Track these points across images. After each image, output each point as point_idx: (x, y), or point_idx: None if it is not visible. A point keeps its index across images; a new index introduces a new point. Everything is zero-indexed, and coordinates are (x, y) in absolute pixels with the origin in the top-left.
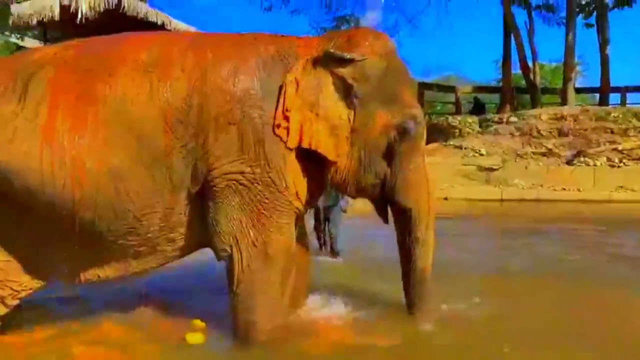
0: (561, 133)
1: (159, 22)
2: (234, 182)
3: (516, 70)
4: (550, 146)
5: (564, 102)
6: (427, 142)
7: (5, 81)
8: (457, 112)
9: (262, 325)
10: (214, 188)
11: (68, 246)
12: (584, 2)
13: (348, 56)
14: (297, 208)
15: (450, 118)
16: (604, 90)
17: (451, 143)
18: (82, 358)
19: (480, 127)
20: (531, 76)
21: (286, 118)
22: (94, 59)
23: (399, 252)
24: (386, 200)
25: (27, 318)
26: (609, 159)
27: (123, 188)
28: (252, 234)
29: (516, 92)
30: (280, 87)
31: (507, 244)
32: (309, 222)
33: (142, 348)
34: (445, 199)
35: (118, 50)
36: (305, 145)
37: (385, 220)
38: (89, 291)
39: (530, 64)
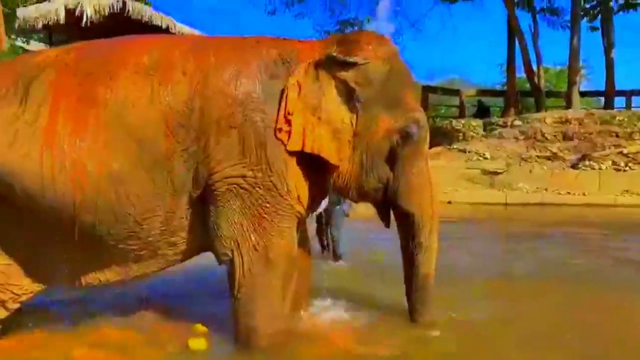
0: (566, 137)
1: (164, 26)
2: (235, 185)
3: (520, 73)
4: (555, 150)
5: (568, 105)
6: (431, 146)
7: (7, 84)
8: (461, 115)
9: (263, 330)
10: (215, 192)
11: (68, 250)
12: (588, 6)
13: (350, 60)
14: (298, 212)
15: (454, 121)
16: (609, 94)
17: (455, 146)
18: None
19: (484, 130)
20: (536, 79)
21: (288, 122)
22: (95, 62)
23: (402, 256)
24: (389, 204)
25: (28, 321)
26: (614, 163)
27: (124, 192)
28: (253, 238)
29: (520, 96)
30: (282, 91)
31: (511, 247)
32: (311, 225)
33: (142, 352)
34: (449, 202)
35: (119, 53)
36: (307, 149)
37: (387, 225)
38: (89, 295)
39: (534, 67)
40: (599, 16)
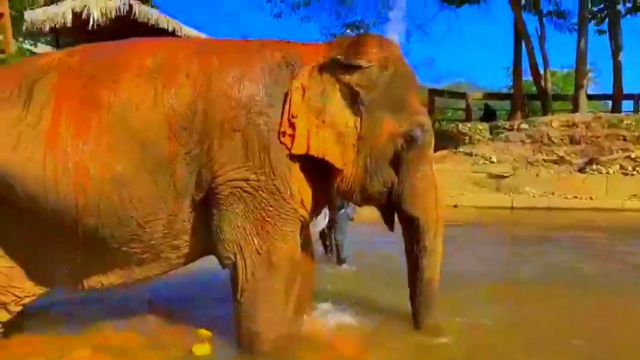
0: (573, 140)
1: (170, 29)
2: (238, 189)
3: (527, 76)
4: (561, 153)
5: (575, 109)
6: (437, 149)
7: (11, 86)
8: (468, 118)
9: (265, 334)
10: (218, 195)
11: (71, 253)
12: (596, 9)
13: (355, 63)
14: (302, 216)
15: (460, 125)
16: (616, 97)
17: (461, 150)
18: None
19: (490, 134)
20: (542, 83)
21: (292, 125)
22: (99, 65)
23: (407, 260)
24: (393, 208)
25: (30, 324)
26: (621, 167)
27: (126, 194)
28: (256, 242)
29: (527, 99)
30: (286, 94)
31: (517, 251)
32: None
33: (145, 355)
34: (455, 206)
35: (123, 56)
36: (311, 152)
37: (392, 228)
38: (92, 298)
39: (541, 70)
40: (607, 19)
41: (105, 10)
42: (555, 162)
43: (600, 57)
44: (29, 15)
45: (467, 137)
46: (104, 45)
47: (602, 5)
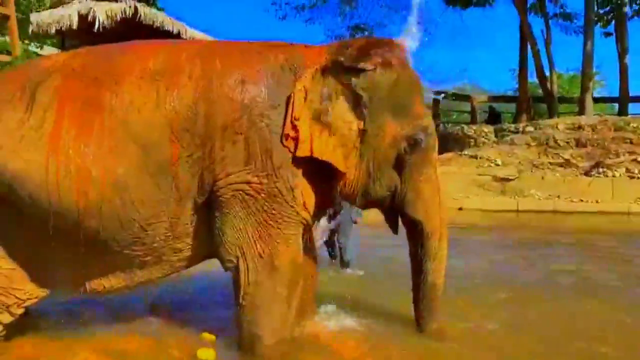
0: (579, 143)
1: (175, 31)
2: (241, 192)
3: (533, 79)
4: (567, 156)
5: (581, 111)
6: (442, 152)
7: (14, 89)
8: (473, 121)
9: (267, 338)
10: (220, 198)
11: (73, 255)
12: (602, 12)
13: (358, 66)
14: (304, 219)
15: (465, 127)
16: (623, 100)
17: (466, 153)
18: None
19: (496, 136)
20: (548, 85)
21: (294, 128)
22: (101, 67)
23: (411, 263)
24: (396, 211)
25: (33, 327)
26: (628, 170)
27: (128, 197)
28: (258, 245)
29: (533, 102)
30: (289, 96)
31: (523, 254)
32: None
33: (148, 359)
34: (460, 209)
35: (125, 58)
36: (314, 155)
37: (395, 231)
38: (95, 300)
39: (547, 72)
40: (613, 22)
41: (111, 13)
42: (561, 165)
43: (607, 60)
44: (35, 17)
45: (472, 140)
46: (107, 47)
47: (608, 8)
